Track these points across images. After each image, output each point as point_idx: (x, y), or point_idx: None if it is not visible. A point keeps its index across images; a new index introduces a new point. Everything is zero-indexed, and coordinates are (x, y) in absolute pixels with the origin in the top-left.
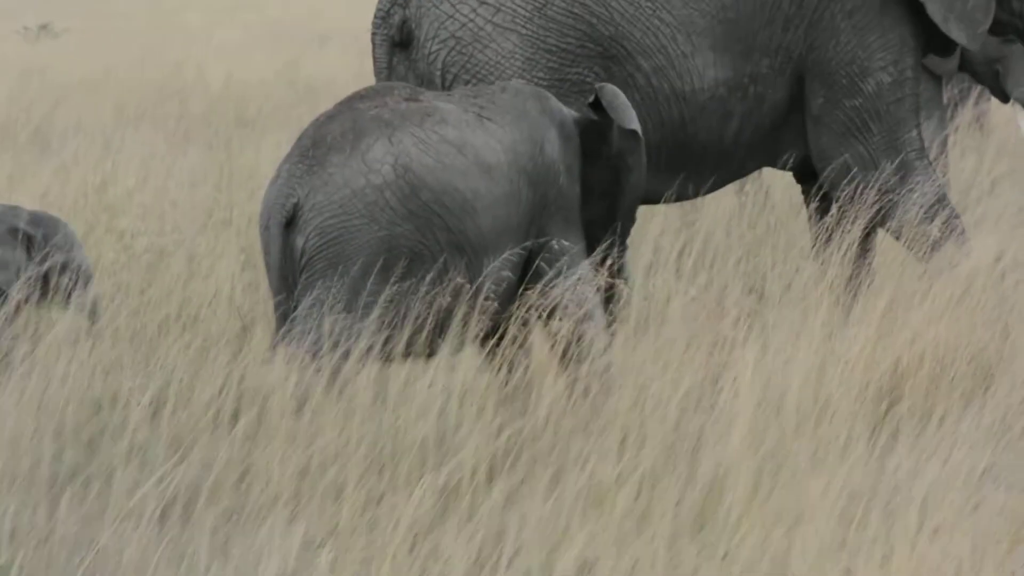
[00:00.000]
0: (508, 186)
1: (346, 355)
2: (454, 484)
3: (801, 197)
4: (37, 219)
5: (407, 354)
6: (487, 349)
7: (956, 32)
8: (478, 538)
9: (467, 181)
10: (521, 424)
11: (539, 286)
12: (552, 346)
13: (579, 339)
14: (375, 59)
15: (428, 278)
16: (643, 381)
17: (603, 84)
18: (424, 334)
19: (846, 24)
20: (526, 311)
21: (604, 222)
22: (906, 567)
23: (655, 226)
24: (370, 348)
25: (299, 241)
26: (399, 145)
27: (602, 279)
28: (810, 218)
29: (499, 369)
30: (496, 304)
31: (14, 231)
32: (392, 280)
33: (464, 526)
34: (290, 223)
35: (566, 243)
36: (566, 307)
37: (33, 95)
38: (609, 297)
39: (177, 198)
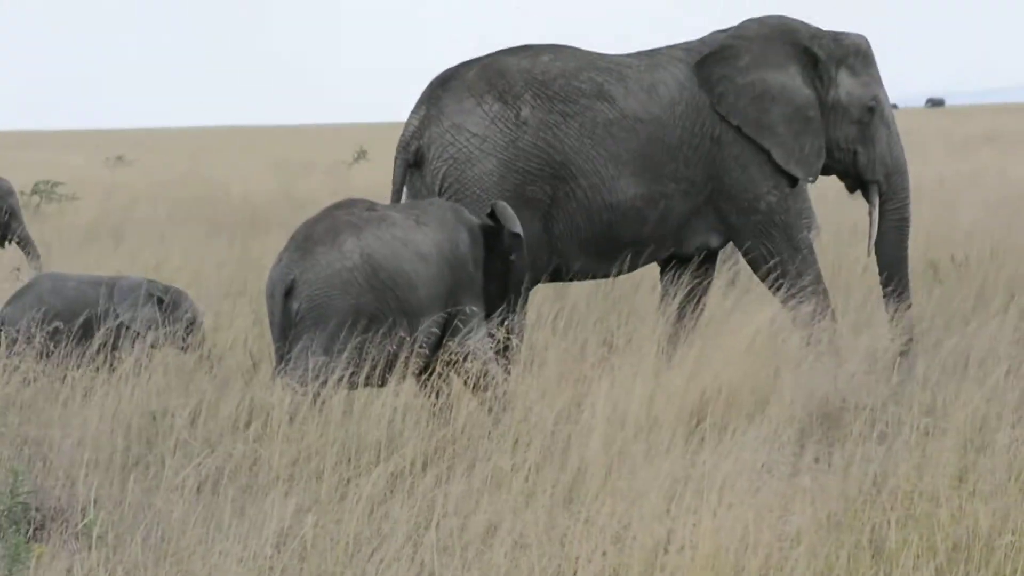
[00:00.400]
0: (436, 270)
1: (324, 384)
2: (399, 471)
3: (636, 276)
4: (168, 290)
5: (367, 384)
6: (421, 381)
7: (796, 171)
8: (416, 509)
9: (410, 265)
10: (445, 431)
11: (457, 339)
12: (465, 380)
13: (484, 375)
14: (394, 175)
15: (382, 332)
16: (528, 403)
17: (496, 201)
18: (378, 371)
19: (733, 164)
20: (448, 356)
21: (500, 295)
22: (710, 529)
23: (538, 297)
24: (341, 379)
25: (294, 305)
26: (364, 240)
27: (500, 334)
28: (663, 293)
29: (429, 394)
30: (427, 350)
31: (155, 297)
32: (357, 333)
33: (406, 500)
34: (288, 293)
35: (474, 309)
36: (475, 353)
37: (112, 204)
38: (505, 347)
39: (208, 275)
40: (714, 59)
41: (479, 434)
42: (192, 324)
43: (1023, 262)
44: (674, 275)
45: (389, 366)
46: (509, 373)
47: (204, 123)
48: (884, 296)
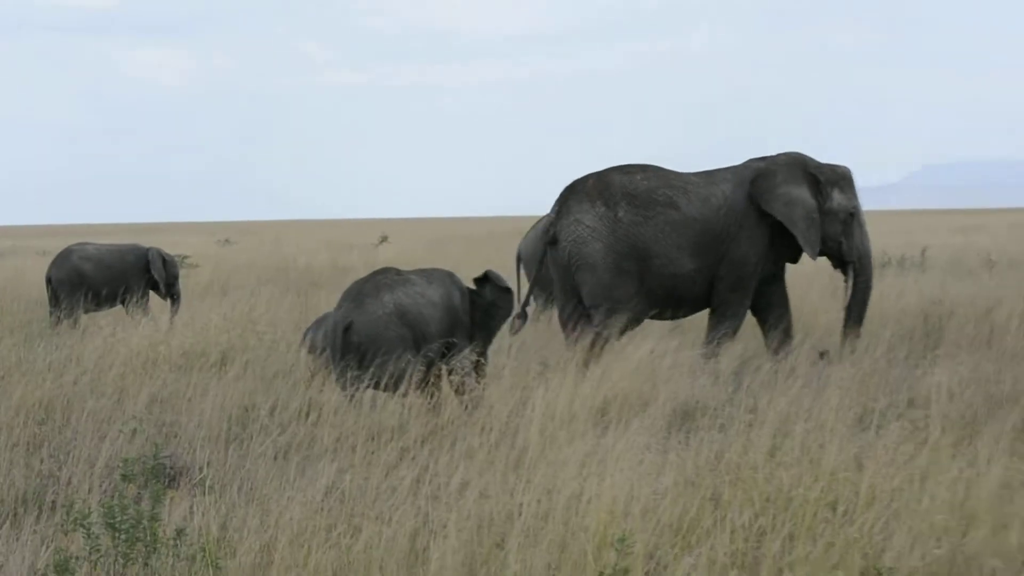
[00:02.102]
0: (441, 313)
1: (399, 385)
2: (406, 446)
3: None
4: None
5: (394, 390)
6: (424, 388)
7: (808, 250)
8: (416, 471)
9: (426, 311)
10: (436, 421)
11: (448, 360)
12: (453, 387)
13: (464, 384)
14: (541, 241)
15: (410, 357)
16: (491, 403)
17: (488, 269)
18: (405, 380)
19: (745, 246)
20: (440, 371)
21: (486, 333)
22: (608, 486)
23: (502, 333)
24: (382, 388)
25: (354, 339)
26: (397, 295)
27: (475, 359)
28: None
29: (427, 397)
30: (426, 368)
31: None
32: (396, 358)
33: (410, 464)
34: (346, 330)
35: (464, 343)
36: (457, 370)
37: (220, 271)
38: (477, 368)
39: (282, 318)
40: (762, 177)
41: (458, 423)
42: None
43: (813, 315)
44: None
45: (408, 380)
46: (480, 384)
47: (282, 217)
48: (844, 330)
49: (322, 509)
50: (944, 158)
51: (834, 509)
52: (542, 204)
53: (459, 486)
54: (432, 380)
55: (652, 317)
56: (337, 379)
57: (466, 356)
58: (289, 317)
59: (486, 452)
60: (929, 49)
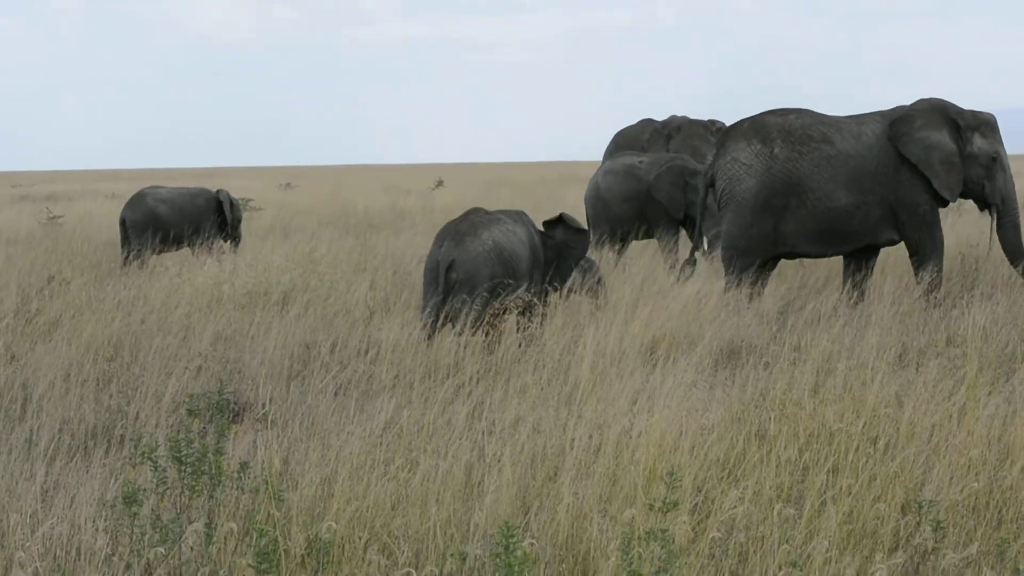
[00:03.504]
0: (528, 252)
1: (475, 323)
2: (461, 383)
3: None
4: (591, 263)
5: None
6: (493, 326)
7: (946, 195)
8: (471, 405)
9: (518, 248)
10: (490, 358)
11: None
12: (517, 323)
13: (533, 317)
14: (702, 185)
15: (508, 292)
16: (545, 341)
17: (564, 212)
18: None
19: (908, 187)
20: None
21: (559, 274)
22: (658, 421)
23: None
24: (478, 322)
25: (452, 275)
26: (493, 232)
27: (539, 297)
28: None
29: (494, 334)
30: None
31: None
32: (495, 292)
33: (465, 400)
34: (448, 267)
35: (535, 278)
36: (531, 308)
37: (282, 213)
38: (538, 306)
39: (342, 258)
40: (900, 122)
41: (512, 360)
42: (599, 281)
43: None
44: (853, 262)
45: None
46: (538, 322)
47: (342, 162)
48: (1018, 268)
49: (381, 443)
50: (992, 104)
51: (875, 444)
52: (591, 150)
53: (513, 421)
54: (497, 319)
55: (809, 255)
56: (430, 313)
57: (528, 295)
58: (349, 258)
59: (539, 388)
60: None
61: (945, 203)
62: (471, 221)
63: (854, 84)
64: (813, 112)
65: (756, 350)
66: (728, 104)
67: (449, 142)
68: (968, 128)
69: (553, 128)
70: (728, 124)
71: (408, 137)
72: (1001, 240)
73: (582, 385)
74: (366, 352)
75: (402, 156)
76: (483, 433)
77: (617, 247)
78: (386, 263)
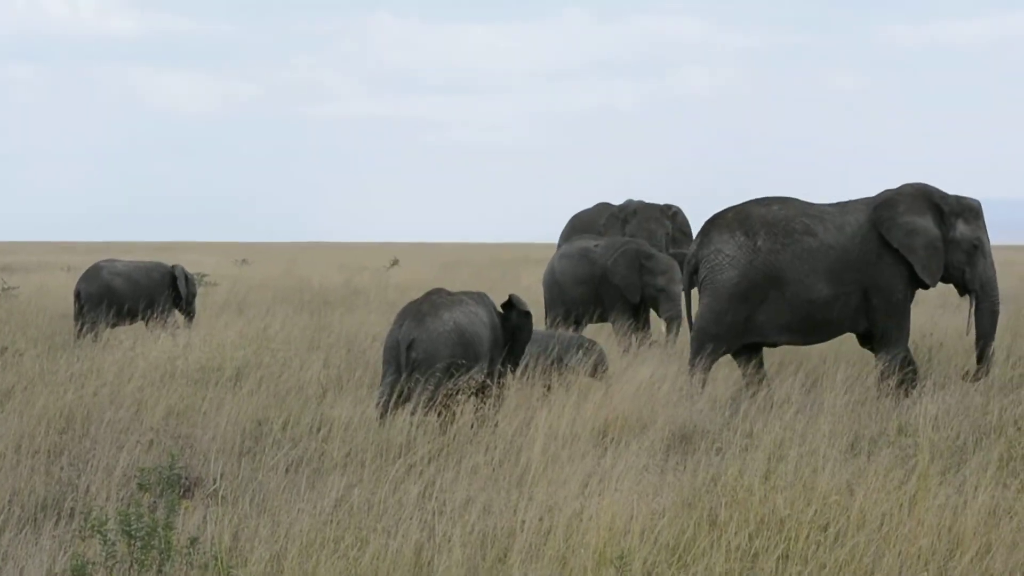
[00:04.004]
0: (489, 334)
1: (434, 404)
2: (413, 463)
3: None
4: (592, 343)
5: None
6: (446, 407)
7: (927, 279)
8: (421, 484)
9: (479, 329)
10: (443, 439)
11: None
12: (481, 400)
13: (489, 399)
14: (686, 273)
15: (461, 375)
16: (497, 422)
17: (512, 294)
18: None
19: (888, 273)
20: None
21: (513, 354)
22: (608, 504)
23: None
24: (432, 402)
25: (412, 355)
26: (454, 313)
27: (497, 380)
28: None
29: (447, 415)
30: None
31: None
32: (453, 373)
33: (416, 480)
34: (409, 347)
35: (498, 365)
36: (485, 391)
37: (237, 289)
38: (496, 388)
39: (296, 335)
40: (884, 206)
41: (464, 441)
42: (601, 361)
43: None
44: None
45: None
46: (496, 404)
47: (297, 239)
48: (977, 356)
49: (331, 521)
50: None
51: (826, 531)
52: (545, 233)
53: (463, 501)
54: (450, 400)
55: (784, 343)
56: (384, 392)
57: (482, 376)
58: (303, 335)
59: (490, 469)
60: (919, 90)
61: (925, 287)
62: (432, 301)
63: (816, 171)
64: (797, 201)
65: (708, 435)
66: (686, 189)
67: (405, 221)
68: (952, 214)
69: (510, 210)
70: (681, 209)
71: (364, 215)
72: (977, 325)
73: (533, 467)
74: (318, 430)
75: (358, 234)
76: (434, 513)
77: (571, 329)
78: (340, 341)
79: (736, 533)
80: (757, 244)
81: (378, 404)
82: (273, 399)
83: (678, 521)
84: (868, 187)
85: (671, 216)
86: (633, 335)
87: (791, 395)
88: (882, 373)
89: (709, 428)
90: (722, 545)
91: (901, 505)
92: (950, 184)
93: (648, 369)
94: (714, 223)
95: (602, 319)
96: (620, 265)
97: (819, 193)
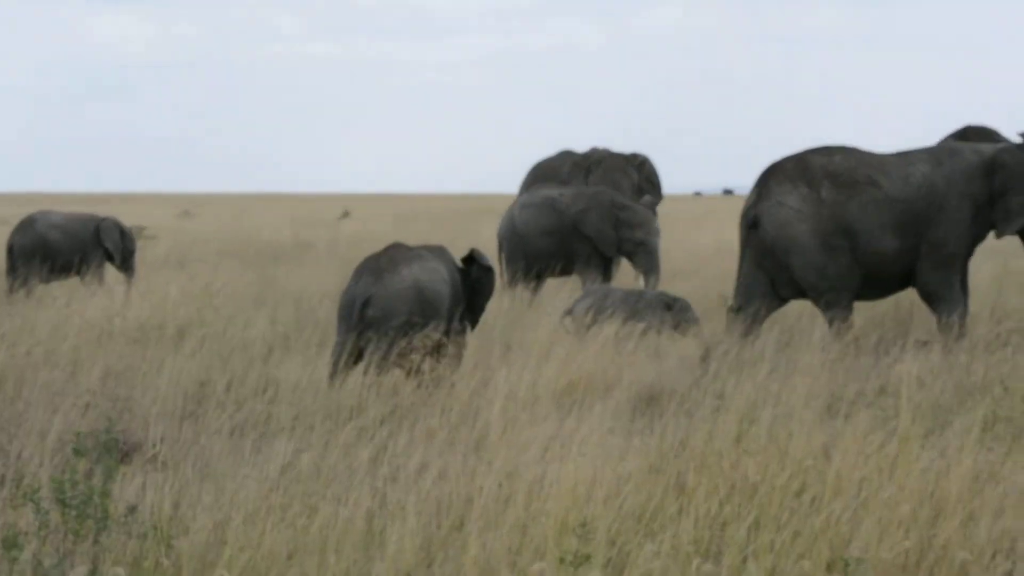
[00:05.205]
0: (449, 290)
1: (386, 361)
2: (365, 426)
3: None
4: (676, 299)
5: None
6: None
7: (1007, 231)
8: (372, 448)
9: (439, 286)
10: (396, 400)
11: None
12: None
13: (448, 355)
14: (741, 234)
15: (424, 330)
16: (454, 382)
17: (473, 248)
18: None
19: (946, 224)
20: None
21: (473, 311)
22: (571, 470)
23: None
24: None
25: (369, 312)
26: (414, 269)
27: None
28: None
29: (409, 374)
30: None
31: (664, 303)
32: (407, 331)
33: (368, 445)
34: (365, 303)
35: (455, 323)
36: (441, 350)
37: (179, 242)
38: (457, 346)
39: (242, 292)
40: (1005, 152)
41: (418, 403)
42: (689, 319)
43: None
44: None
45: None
46: (454, 363)
47: (246, 189)
48: None
49: (277, 488)
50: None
51: (800, 498)
52: (505, 182)
53: (418, 467)
54: (403, 360)
55: (861, 299)
56: (337, 354)
57: (438, 334)
58: (248, 291)
59: (446, 433)
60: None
61: (983, 239)
62: (391, 256)
63: (786, 113)
64: (858, 151)
65: (676, 396)
66: (658, 131)
67: (360, 169)
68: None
69: (468, 158)
70: (649, 158)
71: (318, 163)
72: None
73: (492, 430)
74: (264, 391)
75: (311, 184)
76: (386, 479)
77: (532, 284)
78: (288, 298)
79: (705, 500)
80: (822, 195)
81: (332, 364)
82: (217, 359)
83: (644, 487)
84: (847, 133)
85: (638, 165)
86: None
87: (765, 353)
88: (940, 330)
89: (677, 389)
90: (690, 512)
91: (881, 470)
92: (920, 130)
93: (613, 326)
94: (773, 173)
95: (565, 272)
96: (592, 217)
97: (798, 137)
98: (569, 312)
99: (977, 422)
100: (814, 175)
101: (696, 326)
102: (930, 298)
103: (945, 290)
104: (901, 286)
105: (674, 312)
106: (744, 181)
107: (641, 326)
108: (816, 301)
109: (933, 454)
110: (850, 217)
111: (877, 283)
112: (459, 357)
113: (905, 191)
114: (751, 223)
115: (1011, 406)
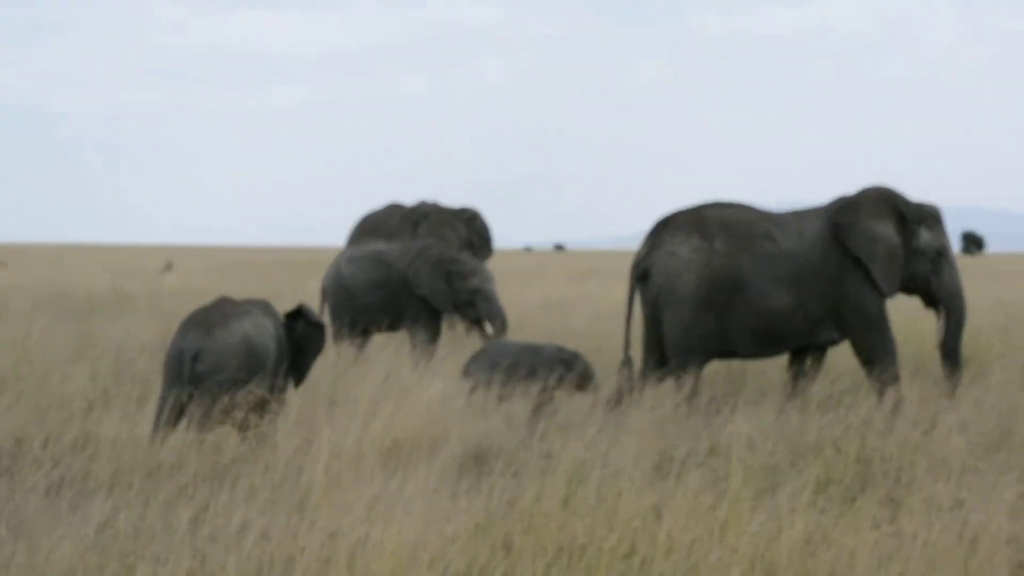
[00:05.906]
0: (275, 346)
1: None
2: (185, 484)
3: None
4: (574, 354)
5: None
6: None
7: (885, 289)
8: (193, 508)
9: (267, 342)
10: (218, 458)
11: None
12: (237, 423)
13: (261, 417)
14: (629, 285)
15: (246, 387)
16: (275, 441)
17: (302, 303)
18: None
19: (852, 288)
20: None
21: (298, 368)
22: (396, 531)
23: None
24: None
25: (198, 367)
26: (244, 325)
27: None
28: None
29: (240, 428)
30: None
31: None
32: (235, 388)
33: (189, 502)
34: (194, 358)
35: (279, 379)
36: (264, 407)
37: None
38: (275, 403)
39: (58, 346)
40: (843, 212)
41: (240, 459)
42: (587, 376)
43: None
44: (798, 359)
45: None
46: (272, 420)
47: (59, 240)
48: (944, 368)
49: (94, 548)
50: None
51: (630, 559)
52: (331, 235)
53: (239, 527)
54: (227, 416)
55: (747, 356)
56: (163, 406)
57: (261, 391)
58: (66, 345)
59: (268, 491)
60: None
61: (884, 296)
62: (221, 310)
63: (616, 166)
64: (752, 207)
65: (504, 455)
66: (484, 182)
67: (181, 222)
68: (915, 221)
69: (292, 211)
70: (479, 212)
71: (135, 214)
72: (944, 337)
73: (316, 489)
74: (83, 448)
75: (127, 235)
76: (206, 539)
77: (357, 340)
78: (107, 351)
79: (532, 561)
80: (715, 246)
81: (156, 419)
82: (33, 414)
83: (470, 548)
84: (679, 185)
85: (467, 220)
86: (429, 345)
87: (593, 412)
88: (879, 392)
89: (504, 447)
90: (517, 574)
91: (711, 532)
92: (751, 184)
93: (440, 383)
94: (666, 225)
95: (392, 328)
96: (424, 274)
97: (630, 191)
98: (467, 372)
99: (809, 484)
100: (708, 227)
101: (593, 382)
102: (869, 360)
103: (883, 348)
104: (797, 343)
105: (574, 369)
106: (576, 236)
107: (536, 385)
108: (670, 358)
109: (764, 516)
110: (743, 269)
111: (769, 339)
112: (280, 414)
113: (800, 245)
114: (640, 275)
115: (843, 468)
